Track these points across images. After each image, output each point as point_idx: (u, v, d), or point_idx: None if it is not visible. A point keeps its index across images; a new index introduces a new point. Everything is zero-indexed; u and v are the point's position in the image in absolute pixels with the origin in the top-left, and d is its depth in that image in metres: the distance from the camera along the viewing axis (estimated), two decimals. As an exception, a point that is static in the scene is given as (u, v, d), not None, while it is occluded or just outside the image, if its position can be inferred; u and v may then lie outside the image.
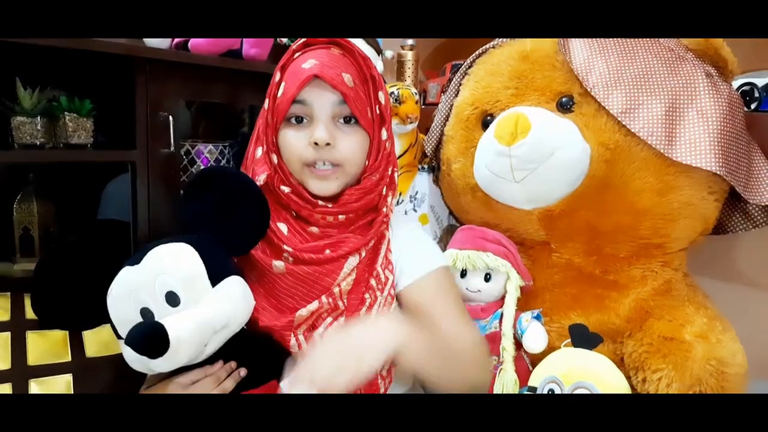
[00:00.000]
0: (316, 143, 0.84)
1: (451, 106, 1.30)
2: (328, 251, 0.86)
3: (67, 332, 0.99)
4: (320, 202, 0.88)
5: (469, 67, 1.28)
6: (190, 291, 0.77)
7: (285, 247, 0.86)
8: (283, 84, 0.86)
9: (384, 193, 0.92)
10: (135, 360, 0.75)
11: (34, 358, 0.95)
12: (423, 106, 1.47)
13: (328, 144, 0.85)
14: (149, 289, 0.76)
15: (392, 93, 1.23)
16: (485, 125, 1.18)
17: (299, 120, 0.87)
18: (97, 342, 1.00)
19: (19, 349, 0.94)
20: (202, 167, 1.21)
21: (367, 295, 0.88)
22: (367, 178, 0.89)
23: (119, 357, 0.96)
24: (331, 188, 0.88)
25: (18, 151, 0.97)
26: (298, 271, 0.86)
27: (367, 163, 0.90)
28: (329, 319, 0.86)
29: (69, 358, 0.97)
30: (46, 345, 0.96)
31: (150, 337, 0.71)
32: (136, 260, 0.78)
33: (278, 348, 0.86)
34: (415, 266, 0.92)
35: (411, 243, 0.96)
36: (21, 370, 0.93)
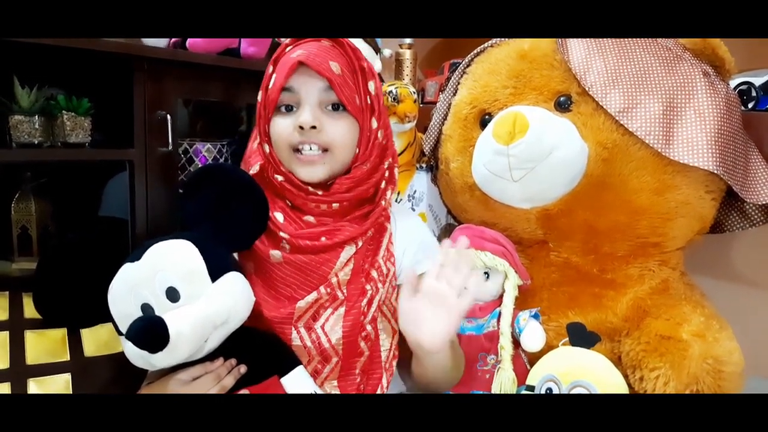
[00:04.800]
0: (301, 127, 0.85)
1: (450, 104, 1.30)
2: (323, 239, 0.87)
3: (66, 331, 0.99)
4: (311, 189, 0.89)
5: (468, 65, 1.28)
6: (190, 286, 0.77)
7: (282, 234, 0.87)
8: (274, 75, 0.88)
9: (383, 187, 0.92)
10: (136, 355, 0.76)
11: (32, 357, 0.94)
12: (421, 105, 1.46)
13: (313, 127, 0.85)
14: (149, 285, 0.77)
15: (390, 92, 1.22)
16: (483, 124, 1.18)
17: (289, 108, 0.88)
18: (95, 341, 1.00)
19: (17, 348, 0.94)
20: (200, 166, 1.21)
21: (368, 287, 0.90)
22: (357, 168, 0.89)
23: (118, 356, 0.96)
24: (318, 174, 0.88)
25: (16, 149, 0.97)
26: (294, 260, 0.87)
27: (357, 151, 0.90)
28: (330, 310, 0.87)
29: (68, 358, 0.97)
30: (44, 344, 0.96)
31: (150, 331, 0.72)
32: (137, 257, 0.79)
33: (279, 344, 0.86)
34: (416, 264, 0.94)
35: (414, 239, 0.98)
36: (19, 370, 0.93)
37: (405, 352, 0.93)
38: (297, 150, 0.88)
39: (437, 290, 0.78)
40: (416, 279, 0.81)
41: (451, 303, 0.78)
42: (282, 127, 0.88)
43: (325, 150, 0.87)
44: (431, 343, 0.79)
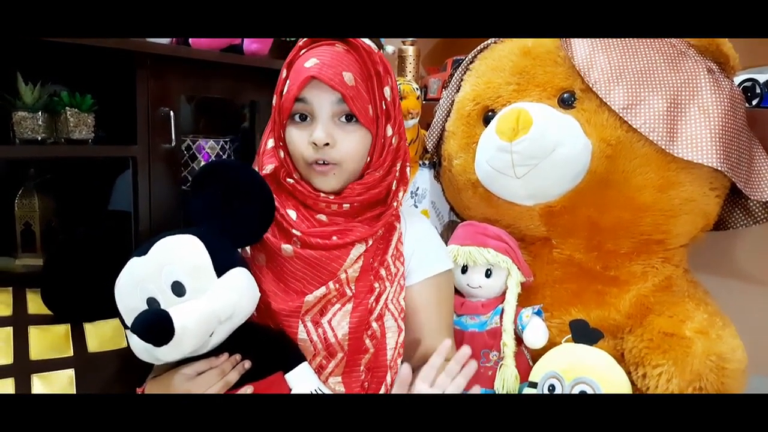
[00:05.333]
0: (315, 144, 0.86)
1: (453, 101, 1.30)
2: (335, 238, 0.88)
3: (69, 327, 0.99)
4: (322, 195, 0.90)
5: (471, 62, 1.28)
6: (196, 281, 0.78)
7: (294, 231, 0.88)
8: (288, 82, 0.87)
9: (395, 187, 0.93)
10: (141, 349, 0.76)
11: (36, 353, 0.95)
12: (424, 102, 1.46)
13: (326, 144, 0.86)
14: (156, 280, 0.77)
15: (393, 88, 1.22)
16: (486, 121, 1.18)
17: (303, 117, 0.88)
18: (99, 337, 1.00)
19: (21, 344, 0.94)
20: (202, 162, 1.22)
21: (376, 285, 0.91)
22: (370, 174, 0.90)
23: (122, 351, 0.96)
24: (331, 184, 0.90)
25: (19, 146, 0.98)
26: (305, 255, 0.88)
27: (369, 159, 0.91)
28: (337, 305, 0.88)
29: (71, 353, 0.97)
30: (48, 340, 0.96)
31: (155, 324, 0.72)
32: (144, 251, 0.79)
33: (284, 340, 0.87)
34: (423, 267, 0.96)
35: (423, 242, 0.99)
36: (23, 365, 0.93)
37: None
38: (311, 163, 0.89)
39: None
40: (409, 376, 0.83)
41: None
42: (297, 139, 0.89)
43: (335, 163, 0.88)
44: None
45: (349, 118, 0.87)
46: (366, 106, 0.87)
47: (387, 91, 0.89)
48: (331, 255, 0.88)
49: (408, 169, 0.96)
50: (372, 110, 0.88)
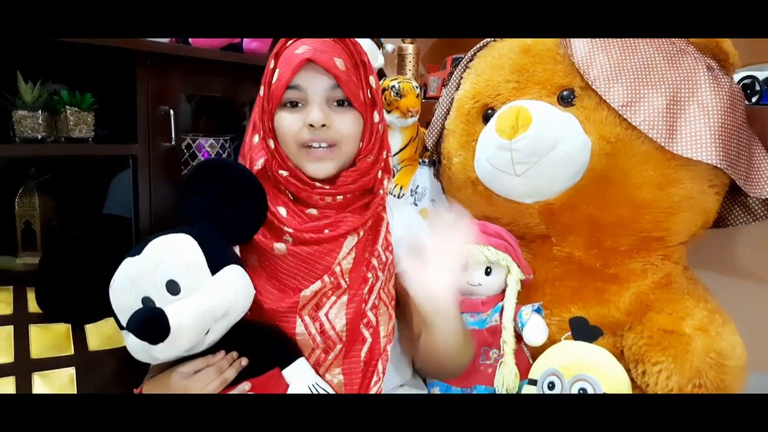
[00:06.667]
0: (311, 125, 0.86)
1: (452, 99, 1.30)
2: (327, 231, 0.89)
3: (70, 325, 0.99)
4: (318, 184, 0.90)
5: (470, 60, 1.28)
6: (190, 279, 0.78)
7: (285, 228, 0.88)
8: (277, 71, 0.88)
9: (380, 176, 0.95)
10: (137, 348, 0.76)
11: (37, 351, 0.95)
12: (424, 100, 1.46)
13: (323, 125, 0.87)
14: (150, 278, 0.77)
15: (393, 87, 1.22)
16: (486, 119, 1.18)
17: (294, 104, 0.89)
18: (99, 335, 1.01)
19: (22, 342, 0.95)
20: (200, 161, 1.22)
21: (369, 275, 0.92)
22: (362, 160, 0.92)
23: (122, 350, 0.96)
24: (327, 169, 0.90)
25: (19, 144, 0.98)
26: (299, 251, 0.88)
27: (361, 144, 0.92)
28: (333, 298, 0.89)
29: (72, 352, 0.98)
30: (49, 338, 0.97)
31: (151, 321, 0.72)
32: (137, 251, 0.80)
33: (280, 336, 0.87)
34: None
35: (412, 228, 1.00)
36: (24, 364, 0.93)
37: (409, 335, 0.96)
38: (305, 146, 0.89)
39: (437, 245, 0.80)
40: (417, 243, 0.82)
41: (451, 255, 0.80)
42: (290, 122, 0.89)
43: (332, 145, 0.89)
44: (444, 294, 0.81)
45: (341, 103, 0.89)
46: (357, 91, 0.89)
47: (372, 79, 0.92)
48: (324, 249, 0.89)
49: (391, 158, 0.98)
50: (362, 96, 0.90)
